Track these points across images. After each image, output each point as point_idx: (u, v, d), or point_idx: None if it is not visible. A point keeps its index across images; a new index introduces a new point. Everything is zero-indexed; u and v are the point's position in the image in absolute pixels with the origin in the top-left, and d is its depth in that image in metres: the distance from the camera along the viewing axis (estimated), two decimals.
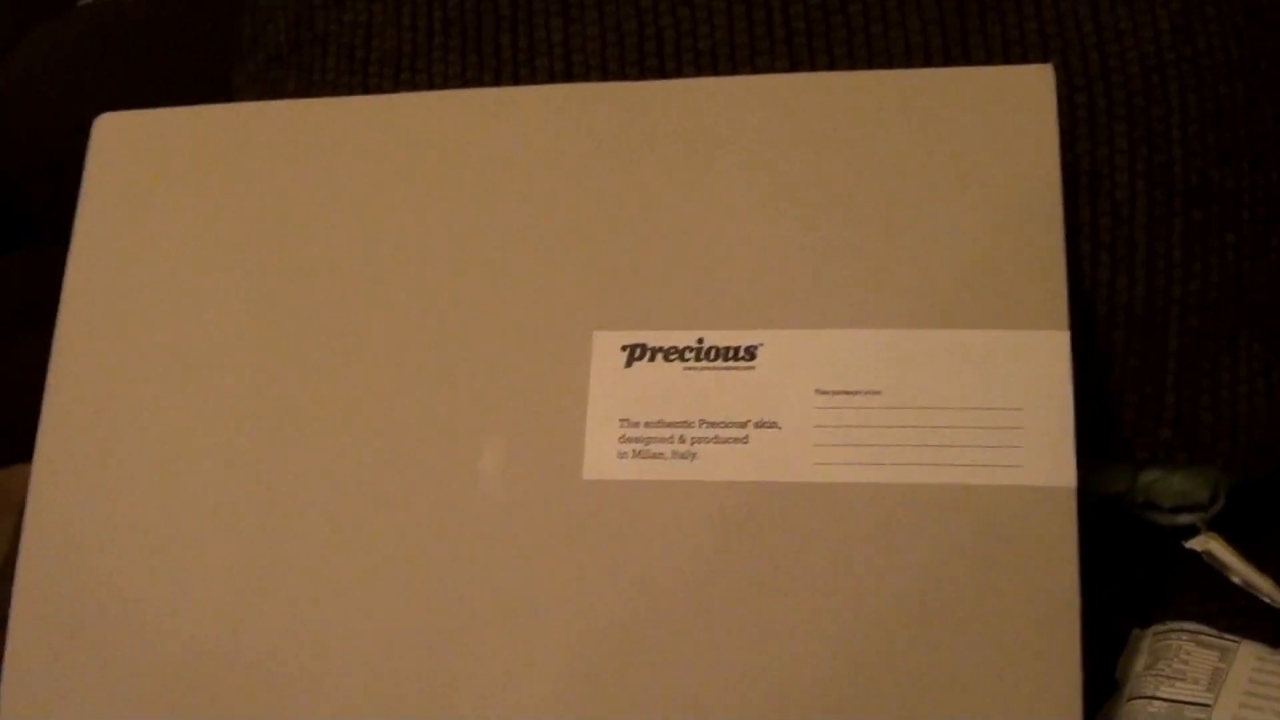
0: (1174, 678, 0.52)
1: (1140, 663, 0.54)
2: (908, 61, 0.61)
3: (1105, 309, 0.60)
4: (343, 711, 0.51)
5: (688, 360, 0.53)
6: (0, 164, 1.06)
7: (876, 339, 0.52)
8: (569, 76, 0.62)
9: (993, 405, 0.50)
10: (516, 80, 0.63)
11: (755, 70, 0.61)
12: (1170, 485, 0.61)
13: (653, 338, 0.53)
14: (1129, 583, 0.59)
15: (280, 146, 0.58)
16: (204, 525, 0.54)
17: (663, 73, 0.61)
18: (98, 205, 0.59)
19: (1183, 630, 0.54)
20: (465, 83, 0.63)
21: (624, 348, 0.53)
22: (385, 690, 0.51)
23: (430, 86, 0.63)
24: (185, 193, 0.58)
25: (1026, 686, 0.48)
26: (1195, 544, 0.58)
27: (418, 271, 0.55)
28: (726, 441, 0.52)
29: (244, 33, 0.72)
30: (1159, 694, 0.51)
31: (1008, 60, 0.60)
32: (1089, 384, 0.57)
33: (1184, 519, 0.62)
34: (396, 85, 0.64)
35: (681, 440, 0.52)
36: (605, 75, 0.61)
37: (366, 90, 0.64)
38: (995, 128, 0.54)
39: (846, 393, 0.51)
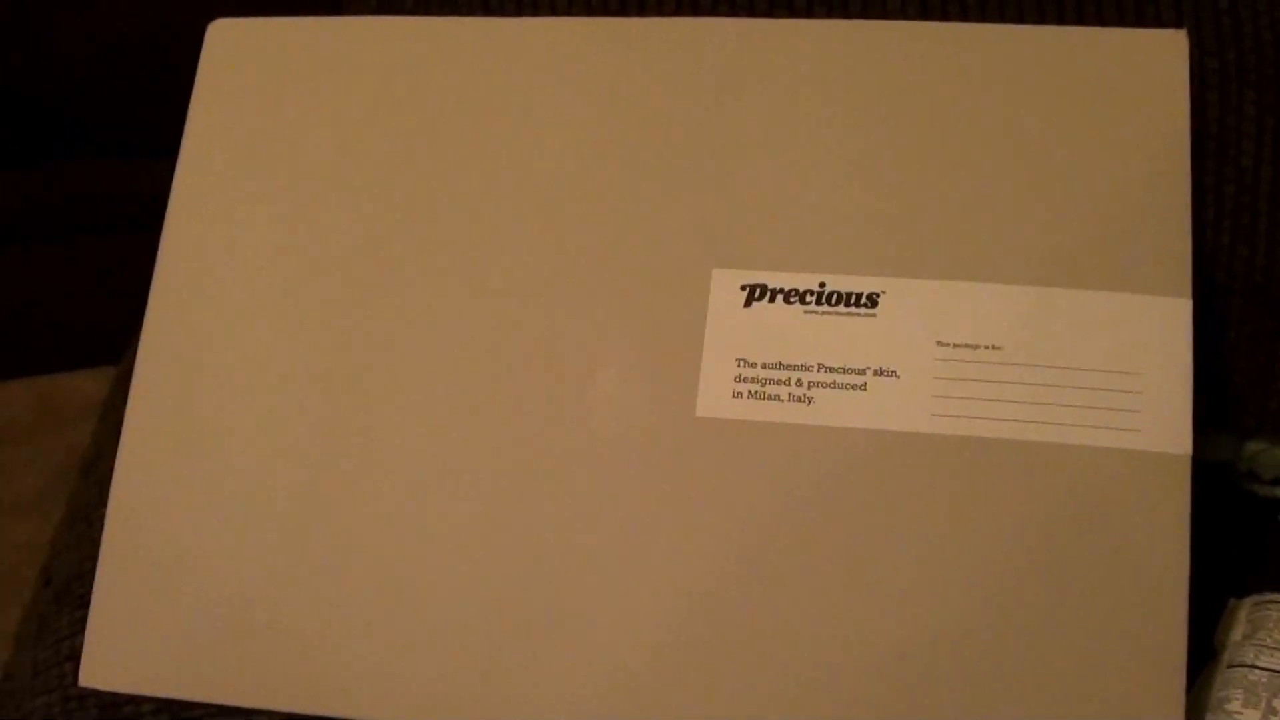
0: (1274, 648, 0.52)
1: (1238, 631, 0.54)
2: (1040, 18, 0.60)
3: (1223, 276, 0.60)
4: (445, 643, 0.52)
5: (808, 304, 0.53)
6: (41, 74, 1.04)
7: (999, 294, 0.52)
8: (695, 9, 0.61)
9: (1112, 368, 0.50)
10: (642, 9, 0.62)
11: (886, 15, 0.60)
12: (1275, 456, 0.61)
13: (773, 279, 0.53)
14: (1225, 551, 0.59)
15: (400, 64, 0.58)
16: (305, 440, 0.54)
17: (792, 11, 0.61)
18: (208, 112, 0.59)
19: None
20: (589, 10, 0.62)
21: (743, 287, 0.53)
22: (487, 622, 0.52)
23: (552, 12, 0.63)
24: (299, 104, 0.58)
25: (1130, 650, 0.48)
26: None
27: (534, 199, 0.55)
28: (844, 388, 0.52)
29: None
30: (1259, 663, 0.52)
31: (1139, 21, 0.60)
32: (1202, 350, 0.57)
33: None
34: (519, 10, 0.63)
35: (799, 384, 0.52)
36: (734, 10, 0.61)
37: (487, 12, 0.64)
38: (1126, 90, 0.53)
39: (968, 346, 0.51)
